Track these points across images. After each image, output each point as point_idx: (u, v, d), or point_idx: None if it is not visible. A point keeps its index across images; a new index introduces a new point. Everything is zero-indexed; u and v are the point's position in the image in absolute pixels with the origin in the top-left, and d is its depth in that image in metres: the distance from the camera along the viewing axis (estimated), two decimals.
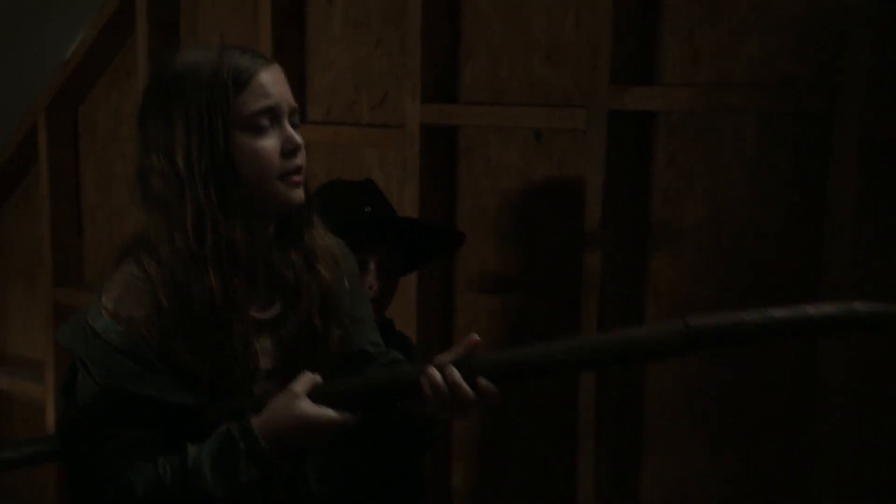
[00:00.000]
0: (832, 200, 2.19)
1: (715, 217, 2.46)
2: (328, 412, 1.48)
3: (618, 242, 2.56)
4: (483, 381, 1.40)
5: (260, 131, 1.54)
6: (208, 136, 1.50)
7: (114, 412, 1.49)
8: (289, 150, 1.56)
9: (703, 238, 2.49)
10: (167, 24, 3.66)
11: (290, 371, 1.58)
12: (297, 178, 1.56)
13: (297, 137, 1.57)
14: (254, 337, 1.57)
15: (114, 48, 3.90)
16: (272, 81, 1.56)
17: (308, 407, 1.49)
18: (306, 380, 1.52)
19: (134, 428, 1.50)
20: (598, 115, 2.53)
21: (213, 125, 1.50)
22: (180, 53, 1.57)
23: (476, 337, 1.44)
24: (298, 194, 1.58)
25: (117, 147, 4.02)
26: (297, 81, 3.25)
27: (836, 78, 2.18)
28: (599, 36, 2.53)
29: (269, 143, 1.54)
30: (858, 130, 2.14)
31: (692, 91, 2.43)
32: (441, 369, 1.42)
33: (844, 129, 2.16)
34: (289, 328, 1.60)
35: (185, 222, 1.49)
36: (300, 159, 1.57)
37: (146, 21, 3.65)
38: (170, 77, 1.53)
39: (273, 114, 1.55)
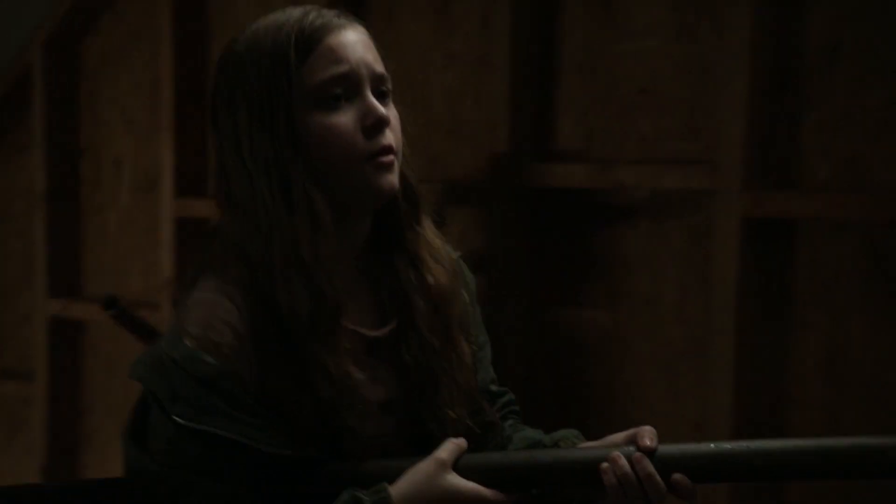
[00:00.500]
0: (716, 276, 2.27)
1: None
2: (481, 490, 1.24)
3: None
4: (680, 477, 1.23)
5: (332, 106, 1.25)
6: (270, 118, 1.23)
7: (200, 460, 1.21)
8: (370, 125, 1.25)
9: None
10: (65, 99, 3.67)
11: (412, 404, 1.32)
12: (385, 158, 1.25)
13: (380, 109, 1.25)
14: (361, 362, 1.29)
15: (7, 123, 3.90)
16: (347, 43, 1.26)
17: (458, 482, 1.24)
18: (453, 447, 1.25)
19: (224, 481, 1.21)
20: (500, 190, 2.60)
21: (274, 103, 1.23)
22: (250, 25, 1.30)
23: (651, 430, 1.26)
24: (389, 180, 1.26)
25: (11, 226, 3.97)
26: (204, 156, 3.28)
27: (718, 157, 2.27)
28: (497, 114, 2.60)
29: (345, 119, 1.24)
30: (739, 208, 2.23)
31: (587, 168, 2.51)
32: (629, 457, 1.24)
33: (726, 206, 2.25)
34: (409, 350, 1.31)
35: (259, 225, 1.24)
36: (388, 137, 1.26)
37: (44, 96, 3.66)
38: (232, 55, 1.28)
39: (349, 83, 1.25)
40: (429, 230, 1.35)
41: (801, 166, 2.23)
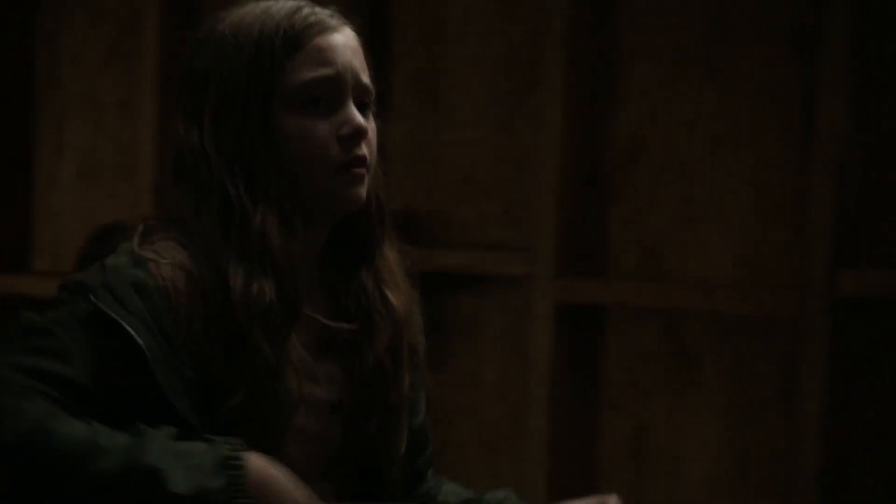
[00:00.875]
0: (533, 358, 2.39)
1: None
2: None
3: None
4: None
5: (311, 108, 1.20)
6: (242, 106, 1.18)
7: (85, 353, 1.10)
8: (347, 135, 1.19)
9: None
10: None
11: (359, 413, 1.25)
12: (357, 170, 1.20)
13: (360, 120, 1.20)
14: (315, 355, 1.23)
15: None
16: (336, 46, 1.21)
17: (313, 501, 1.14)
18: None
19: (96, 389, 1.09)
20: None
21: (251, 93, 1.18)
22: (239, 7, 1.25)
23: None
24: (357, 192, 1.20)
25: None
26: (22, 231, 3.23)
27: (534, 244, 2.41)
28: None
29: (322, 124, 1.20)
30: (553, 294, 2.36)
31: (411, 252, 2.60)
32: None
33: (541, 292, 2.38)
34: (364, 358, 1.25)
35: (211, 202, 1.18)
36: (364, 149, 1.20)
37: None
38: (215, 31, 1.22)
39: (332, 88, 1.20)
40: (393, 252, 1.29)
41: (608, 255, 2.39)
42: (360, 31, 1.24)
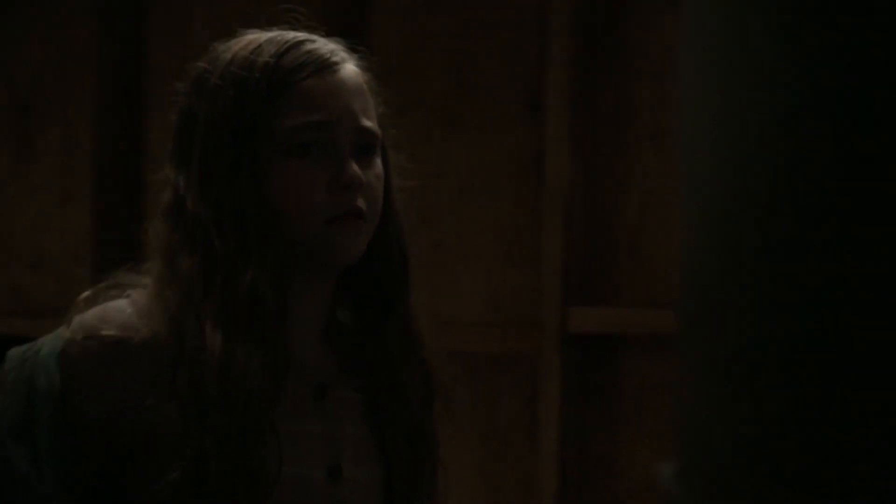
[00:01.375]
0: None
1: None
2: None
3: None
4: None
5: (300, 154, 1.09)
6: (229, 152, 1.08)
7: None
8: (339, 186, 1.08)
9: None
10: None
11: (400, 482, 1.13)
12: (351, 221, 1.09)
13: (352, 169, 1.08)
14: (307, 412, 1.11)
15: None
16: (329, 89, 1.09)
17: None
18: None
19: None
20: None
21: (237, 138, 1.08)
22: (227, 41, 1.13)
23: None
24: (351, 244, 1.09)
25: None
26: None
27: None
28: (80, 245, 2.67)
29: (311, 172, 1.08)
30: None
31: None
32: None
33: None
34: (388, 412, 1.13)
35: (196, 253, 1.07)
36: (357, 200, 1.09)
37: None
38: (207, 67, 1.11)
39: (323, 134, 1.09)
40: (414, 306, 1.17)
41: None
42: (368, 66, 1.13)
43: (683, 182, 0.62)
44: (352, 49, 1.13)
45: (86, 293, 1.10)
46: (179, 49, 2.60)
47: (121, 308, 1.08)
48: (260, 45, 1.09)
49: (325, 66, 1.10)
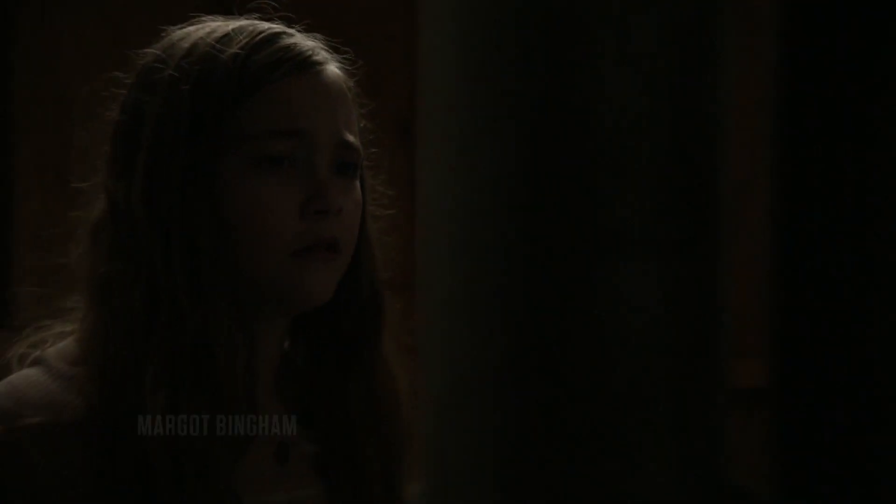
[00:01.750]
0: None
1: None
2: None
3: None
4: None
5: (269, 167, 0.89)
6: (181, 160, 0.87)
7: None
8: (315, 211, 0.89)
9: None
10: None
11: None
12: (323, 255, 0.90)
13: (329, 192, 0.90)
14: (270, 472, 0.92)
15: None
16: (307, 92, 0.90)
17: None
18: None
19: None
20: None
21: (192, 144, 0.87)
22: (197, 24, 0.93)
23: None
24: (317, 283, 0.90)
25: None
26: None
27: None
28: None
29: (280, 191, 0.89)
30: None
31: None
32: None
33: None
34: (339, 479, 0.95)
35: (136, 286, 0.86)
36: (332, 229, 0.90)
37: None
38: (159, 54, 0.90)
39: (297, 146, 0.90)
40: (391, 352, 0.99)
41: None
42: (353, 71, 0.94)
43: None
44: (334, 49, 0.94)
45: None
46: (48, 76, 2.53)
47: (35, 381, 0.87)
48: (227, 34, 0.90)
49: (305, 66, 0.91)
